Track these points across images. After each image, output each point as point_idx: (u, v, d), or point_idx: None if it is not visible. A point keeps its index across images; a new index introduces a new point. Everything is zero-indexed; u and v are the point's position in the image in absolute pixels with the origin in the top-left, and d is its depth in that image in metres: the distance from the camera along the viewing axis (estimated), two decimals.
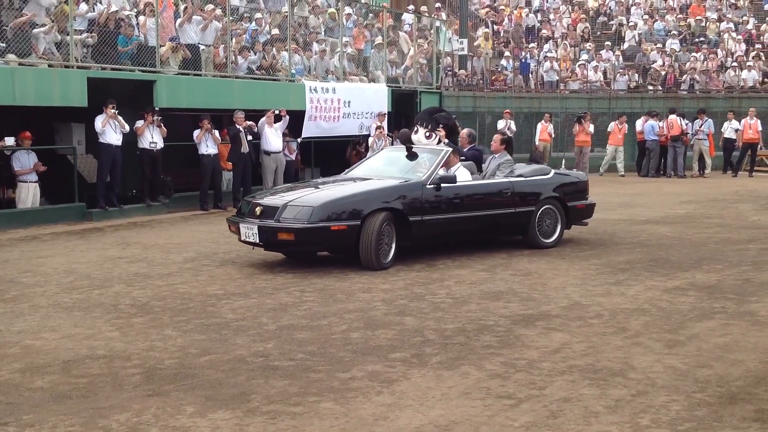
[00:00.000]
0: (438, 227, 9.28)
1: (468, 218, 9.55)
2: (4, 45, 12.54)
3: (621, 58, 26.20)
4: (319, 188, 9.37)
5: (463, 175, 9.68)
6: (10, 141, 12.45)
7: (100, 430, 4.26)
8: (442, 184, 9.19)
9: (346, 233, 8.48)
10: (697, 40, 26.99)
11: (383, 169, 9.98)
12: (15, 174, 12.82)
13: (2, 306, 7.13)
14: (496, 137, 10.70)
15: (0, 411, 4.54)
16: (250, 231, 8.59)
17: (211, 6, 16.13)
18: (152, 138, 13.86)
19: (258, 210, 8.68)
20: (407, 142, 10.06)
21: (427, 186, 9.13)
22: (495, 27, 27.91)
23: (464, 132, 11.43)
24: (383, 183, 9.16)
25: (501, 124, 22.87)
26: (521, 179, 10.11)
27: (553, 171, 10.72)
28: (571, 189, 10.60)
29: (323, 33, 19.78)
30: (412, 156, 9.75)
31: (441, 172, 9.39)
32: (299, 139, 16.87)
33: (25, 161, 12.78)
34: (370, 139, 17.66)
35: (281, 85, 16.99)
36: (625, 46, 27.03)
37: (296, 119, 16.57)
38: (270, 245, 8.79)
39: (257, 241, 8.59)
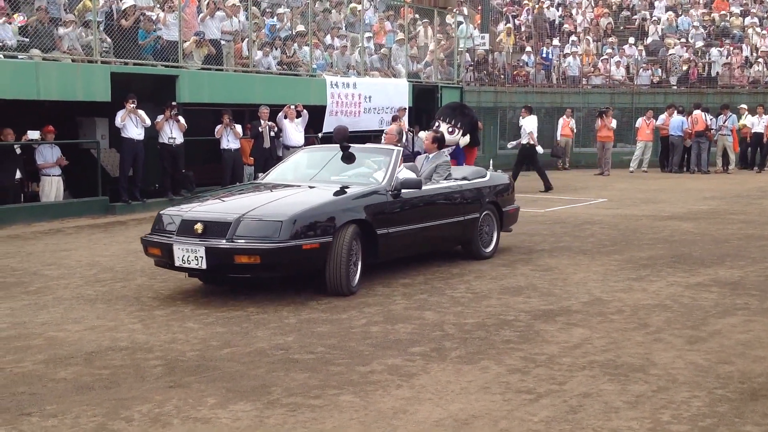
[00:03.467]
0: (403, 240, 7.96)
1: (431, 228, 8.34)
2: (27, 40, 12.66)
3: (644, 53, 26.01)
4: (253, 195, 7.78)
5: (410, 176, 8.29)
6: (34, 135, 12.56)
7: (122, 421, 4.31)
8: (404, 190, 7.88)
9: (318, 252, 6.95)
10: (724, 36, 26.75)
11: (313, 173, 8.37)
12: (38, 168, 12.96)
13: (26, 298, 7.21)
14: (428, 135, 9.54)
15: (24, 401, 4.59)
16: (191, 254, 6.79)
17: (232, 1, 16.19)
18: (171, 133, 13.95)
19: (198, 227, 6.86)
20: (343, 141, 8.52)
21: (390, 192, 7.81)
22: (516, 22, 27.79)
23: (393, 128, 10.12)
24: (352, 189, 7.61)
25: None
26: (467, 183, 9.02)
27: (488, 173, 9.73)
28: (504, 192, 9.67)
29: (344, 28, 19.80)
30: (349, 157, 7.98)
31: (402, 175, 8.09)
32: (320, 134, 16.91)
33: (49, 155, 12.91)
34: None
35: (302, 80, 17.03)
36: (649, 40, 26.82)
37: (317, 114, 16.61)
38: (222, 271, 7.01)
39: (203, 266, 6.78)
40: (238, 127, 15.11)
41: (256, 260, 6.71)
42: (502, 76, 24.34)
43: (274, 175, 8.69)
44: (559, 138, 23.45)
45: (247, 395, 4.69)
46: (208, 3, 15.69)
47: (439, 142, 9.36)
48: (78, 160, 13.67)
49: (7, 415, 4.37)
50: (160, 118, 13.83)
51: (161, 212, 7.47)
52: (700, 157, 22.16)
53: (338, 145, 8.26)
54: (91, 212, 13.00)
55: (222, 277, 7.39)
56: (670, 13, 27.76)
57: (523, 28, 27.60)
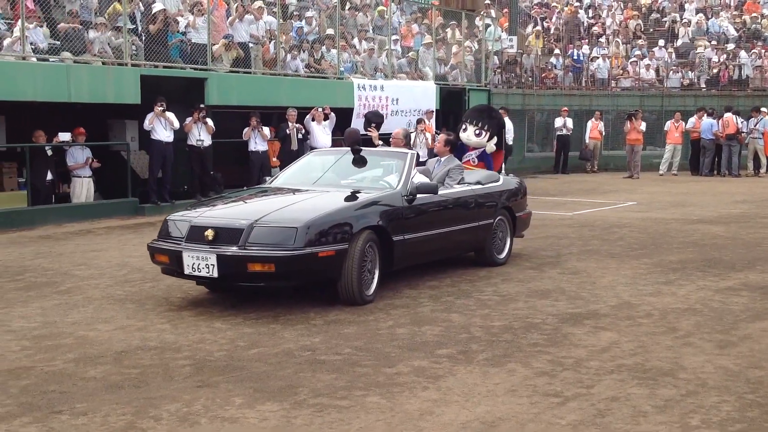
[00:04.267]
0: (418, 247, 7.67)
1: (445, 235, 8.08)
2: (58, 43, 12.83)
3: (674, 56, 25.79)
4: (264, 200, 7.56)
5: (426, 181, 8.10)
6: (65, 137, 12.71)
7: (151, 420, 4.34)
8: (419, 195, 7.61)
9: (333, 260, 6.67)
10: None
11: (323, 177, 8.06)
12: (69, 169, 13.12)
13: (57, 298, 7.30)
14: (441, 138, 9.17)
15: (54, 399, 4.65)
16: (201, 262, 6.53)
17: (259, 3, 16.29)
18: (199, 135, 14.05)
19: (209, 233, 6.62)
20: (354, 144, 8.18)
21: (405, 197, 7.53)
22: (545, 24, 27.67)
23: (400, 132, 9.77)
24: (366, 194, 7.34)
25: (558, 122, 22.70)
26: (481, 187, 8.77)
27: (502, 177, 9.48)
28: (517, 197, 9.39)
29: (371, 31, 19.83)
30: (360, 161, 7.85)
31: (417, 179, 7.85)
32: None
33: (80, 157, 13.06)
34: (412, 135, 17.63)
35: (330, 82, 17.08)
36: (679, 43, 26.60)
37: (344, 117, 16.65)
38: (234, 280, 6.72)
39: (214, 275, 6.53)
40: (266, 130, 15.19)
41: (270, 269, 6.43)
42: (530, 79, 24.25)
43: (283, 178, 8.39)
44: (587, 141, 23.34)
45: (274, 395, 4.71)
46: (237, 6, 15.81)
47: (452, 145, 9.08)
48: (108, 162, 13.82)
49: (38, 413, 4.43)
50: (188, 120, 13.95)
51: (168, 218, 7.18)
52: (731, 161, 21.93)
53: (349, 149, 8.04)
54: (120, 213, 13.14)
55: (231, 286, 7.11)
56: (701, 15, 27.51)
57: (552, 30, 27.48)
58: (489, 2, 25.53)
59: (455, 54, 21.07)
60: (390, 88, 18.11)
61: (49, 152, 12.79)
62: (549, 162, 23.35)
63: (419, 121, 17.63)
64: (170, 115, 13.61)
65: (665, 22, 28.14)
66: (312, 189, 7.69)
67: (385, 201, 7.33)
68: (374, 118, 9.46)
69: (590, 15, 28.58)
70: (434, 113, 18.73)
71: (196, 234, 6.69)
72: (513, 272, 8.49)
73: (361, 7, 20.13)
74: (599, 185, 19.45)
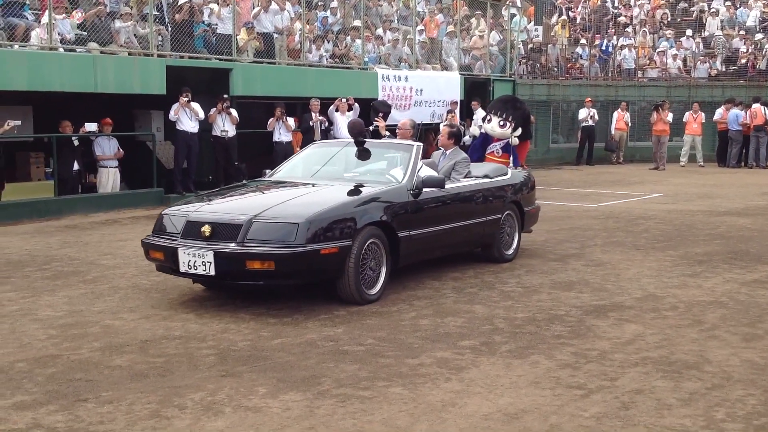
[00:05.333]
0: (424, 243, 7.39)
1: (452, 230, 7.77)
2: (85, 34, 12.92)
3: (702, 46, 25.50)
4: (263, 194, 7.28)
5: (432, 174, 7.75)
6: (91, 127, 12.82)
7: (175, 408, 4.38)
8: (425, 189, 7.32)
9: (336, 258, 6.37)
10: None
11: (325, 170, 7.79)
12: (96, 159, 13.24)
13: (83, 287, 7.37)
14: (444, 130, 8.75)
15: (80, 388, 4.70)
16: (198, 259, 6.25)
17: None
18: (223, 126, 14.11)
19: (206, 229, 6.31)
20: (359, 136, 7.75)
21: (411, 191, 7.24)
22: (570, 14, 27.46)
23: (407, 122, 9.37)
24: (370, 188, 7.08)
25: (582, 113, 22.54)
26: (489, 181, 8.48)
27: (510, 170, 9.24)
28: (526, 191, 9.09)
29: (396, 21, 19.78)
30: (364, 153, 7.60)
31: (423, 173, 7.55)
32: (370, 128, 16.92)
33: (107, 147, 13.17)
34: (442, 126, 17.61)
35: (354, 73, 17.07)
36: (707, 33, 26.29)
37: (367, 107, 16.62)
38: (232, 278, 6.40)
39: (211, 272, 6.25)
40: (290, 120, 15.22)
41: (270, 266, 6.11)
42: (556, 69, 24.09)
43: (283, 171, 8.07)
44: (613, 132, 23.16)
45: (297, 385, 4.73)
46: None
47: (455, 137, 8.64)
48: (134, 152, 13.93)
49: (64, 401, 4.48)
50: (212, 111, 14.01)
51: (164, 212, 6.90)
52: (758, 152, 21.66)
53: (353, 140, 7.70)
54: (146, 203, 13.23)
55: (229, 284, 6.77)
56: (729, 4, 27.16)
57: (578, 20, 27.25)
58: None
59: (474, 43, 20.88)
60: (414, 78, 18.07)
61: (76, 142, 12.91)
62: (574, 153, 23.20)
63: (449, 112, 17.58)
64: (195, 105, 13.69)
65: (693, 11, 27.81)
66: (314, 182, 7.43)
67: (390, 195, 7.04)
68: (381, 108, 9.22)
69: (616, 4, 28.30)
70: (458, 104, 18.66)
71: (192, 230, 6.40)
72: (537, 264, 8.46)
73: None
74: (624, 176, 19.31)
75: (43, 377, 4.87)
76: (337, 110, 15.56)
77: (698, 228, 10.99)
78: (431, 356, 5.29)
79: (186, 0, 14.15)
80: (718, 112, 22.10)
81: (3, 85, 11.60)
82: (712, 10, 27.04)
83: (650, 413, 4.34)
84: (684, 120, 22.39)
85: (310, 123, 15.24)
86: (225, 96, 14.12)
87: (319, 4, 18.40)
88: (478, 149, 14.75)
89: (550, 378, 4.89)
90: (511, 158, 14.70)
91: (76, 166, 12.90)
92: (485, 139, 15.40)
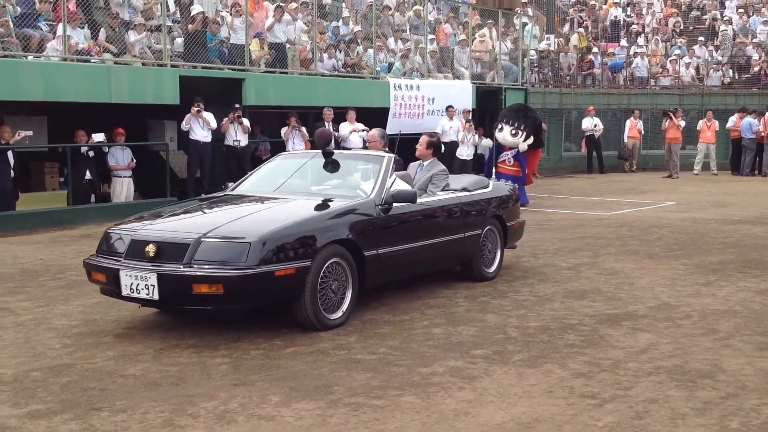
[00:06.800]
0: (395, 262, 6.86)
1: (426, 248, 7.21)
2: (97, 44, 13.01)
3: (714, 54, 25.42)
4: (219, 209, 6.71)
5: (403, 188, 7.04)
6: (99, 137, 12.85)
7: (189, 417, 4.39)
8: (395, 204, 6.78)
9: (293, 280, 5.83)
10: None
11: (291, 184, 7.21)
12: (110, 169, 13.31)
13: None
14: (423, 139, 8.15)
15: (94, 396, 4.72)
16: (141, 282, 5.73)
17: (295, 4, 16.37)
18: (235, 135, 14.16)
19: (151, 249, 5.79)
20: (326, 146, 7.35)
21: (380, 206, 6.71)
22: (583, 22, 27.44)
23: (376, 132, 8.73)
24: (336, 203, 6.50)
25: (586, 122, 22.50)
26: (468, 194, 7.93)
27: (491, 182, 8.62)
28: (509, 205, 8.58)
29: (408, 31, 19.84)
30: (332, 165, 7.12)
31: (394, 186, 6.93)
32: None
33: (120, 157, 13.24)
34: (460, 134, 17.65)
35: (366, 82, 17.12)
36: (719, 41, 26.20)
37: (381, 117, 16.67)
38: (178, 302, 5.91)
39: (154, 297, 5.73)
40: (304, 129, 15.25)
41: (218, 290, 5.57)
42: (568, 78, 24.07)
43: (246, 185, 7.49)
44: (626, 140, 23.11)
45: (310, 394, 4.74)
46: (276, 7, 15.90)
47: (434, 147, 8.06)
48: (148, 162, 13.99)
49: (78, 410, 4.50)
50: (224, 120, 14.08)
51: (109, 229, 6.35)
52: None
53: (320, 152, 7.16)
54: None
55: (175, 309, 6.30)
56: (741, 11, 27.07)
57: (590, 28, 27.23)
58: (526, 0, 25.40)
59: (475, 46, 20.78)
60: (426, 87, 18.10)
61: (91, 153, 12.97)
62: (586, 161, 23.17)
63: (467, 121, 17.60)
64: (207, 115, 13.76)
65: (705, 19, 27.75)
66: (276, 197, 6.89)
67: (355, 211, 6.49)
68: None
69: (628, 12, 28.27)
70: (470, 113, 18.68)
71: (136, 249, 5.87)
72: (549, 273, 8.44)
73: (397, 6, 20.14)
74: (637, 185, 19.25)
75: (57, 386, 4.90)
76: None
77: (712, 236, 10.94)
78: (444, 365, 5.29)
79: (199, 11, 14.24)
80: (732, 120, 22.02)
81: (19, 95, 11.70)
82: (725, 18, 26.97)
83: (664, 423, 4.32)
84: (698, 128, 22.33)
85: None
86: (237, 105, 14.18)
87: (328, 13, 18.46)
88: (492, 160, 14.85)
89: (563, 387, 4.88)
90: (520, 167, 14.73)
91: (87, 176, 12.96)
92: (497, 149, 15.43)
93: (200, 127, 13.75)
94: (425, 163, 8.03)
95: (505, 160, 14.85)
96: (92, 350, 5.65)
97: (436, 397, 4.71)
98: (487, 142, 16.75)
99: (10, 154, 11.83)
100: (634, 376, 5.09)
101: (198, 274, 5.60)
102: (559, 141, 23.51)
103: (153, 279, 5.67)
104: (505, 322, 6.40)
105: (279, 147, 15.19)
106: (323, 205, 6.46)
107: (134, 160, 13.35)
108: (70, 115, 13.30)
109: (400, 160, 7.78)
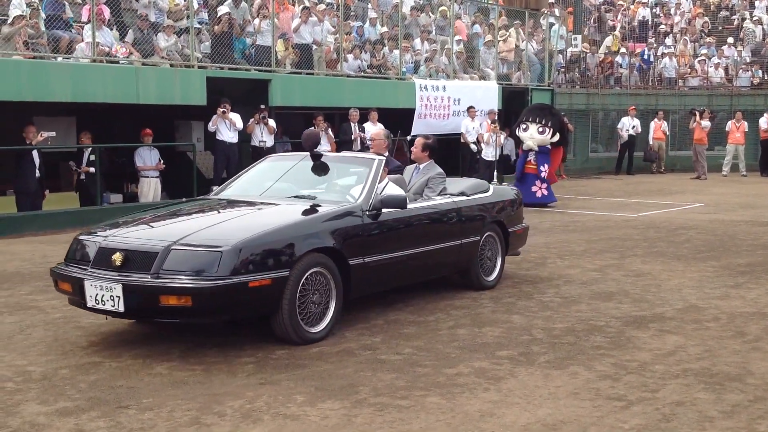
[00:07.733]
0: (383, 271, 6.47)
1: (419, 256, 6.80)
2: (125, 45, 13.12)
3: (743, 54, 25.15)
4: (196, 215, 6.30)
5: (393, 193, 6.57)
6: (49, 134, 12.14)
7: (214, 416, 4.42)
8: (384, 209, 6.39)
9: (269, 291, 5.47)
10: None
11: (277, 187, 6.80)
12: (138, 170, 13.43)
13: None
14: (418, 142, 7.78)
15: (122, 394, 4.77)
16: (106, 293, 5.39)
17: (323, 6, 16.41)
18: (261, 136, 14.21)
19: (117, 257, 5.44)
20: (314, 148, 6.93)
21: (368, 212, 6.33)
22: (610, 22, 27.27)
23: (381, 131, 8.41)
24: (321, 209, 6.15)
25: (625, 122, 22.27)
26: (465, 199, 7.51)
27: (491, 187, 8.16)
28: (511, 210, 8.15)
29: (434, 32, 19.82)
30: (321, 168, 6.67)
31: (386, 191, 6.51)
32: (408, 137, 16.98)
33: (147, 158, 13.35)
34: (485, 135, 17.59)
35: (391, 83, 17.13)
36: (742, 34, 25.91)
37: (406, 117, 16.67)
38: (145, 315, 5.64)
39: (120, 308, 5.38)
40: (330, 131, 15.28)
41: (187, 302, 5.22)
42: (595, 78, 23.92)
43: (231, 189, 7.09)
44: (651, 141, 22.92)
45: (335, 394, 4.75)
46: (303, 8, 15.95)
47: (431, 149, 7.71)
48: (175, 162, 14.10)
49: (106, 408, 4.54)
50: (250, 121, 14.14)
51: (78, 236, 6.01)
52: None
53: (308, 154, 6.75)
54: None
55: (143, 320, 6.00)
56: None
57: (618, 29, 27.04)
58: (553, 1, 25.27)
59: (503, 47, 20.71)
60: (452, 88, 18.07)
61: (92, 157, 12.80)
62: (613, 162, 23.01)
63: (492, 122, 17.56)
64: (234, 116, 13.83)
65: (734, 19, 27.46)
66: (260, 201, 6.49)
67: (340, 217, 6.12)
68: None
69: (657, 12, 28.06)
70: (496, 114, 18.63)
71: (103, 258, 5.53)
72: (576, 274, 8.40)
73: (422, 6, 20.13)
74: (665, 186, 19.10)
75: (85, 384, 4.95)
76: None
77: (740, 238, 10.83)
78: (469, 366, 5.28)
79: (225, 12, 14.32)
80: (762, 121, 21.77)
81: (48, 96, 11.83)
82: (754, 18, 26.67)
83: (692, 425, 4.29)
84: (726, 129, 22.10)
85: (352, 137, 15.23)
86: (262, 106, 14.23)
87: (352, 14, 18.48)
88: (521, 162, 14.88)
89: (589, 389, 4.85)
90: (545, 165, 14.72)
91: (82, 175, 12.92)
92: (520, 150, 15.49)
93: (227, 128, 13.82)
94: (421, 166, 7.70)
95: (530, 159, 14.87)
96: (119, 349, 5.70)
97: (461, 398, 4.70)
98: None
99: (35, 153, 11.94)
100: (661, 378, 5.05)
101: (165, 285, 5.25)
102: (586, 142, 23.37)
103: (118, 290, 5.33)
104: (530, 324, 6.37)
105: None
106: (307, 210, 6.11)
107: (161, 161, 13.43)
108: (98, 115, 13.42)
109: (399, 163, 7.58)
